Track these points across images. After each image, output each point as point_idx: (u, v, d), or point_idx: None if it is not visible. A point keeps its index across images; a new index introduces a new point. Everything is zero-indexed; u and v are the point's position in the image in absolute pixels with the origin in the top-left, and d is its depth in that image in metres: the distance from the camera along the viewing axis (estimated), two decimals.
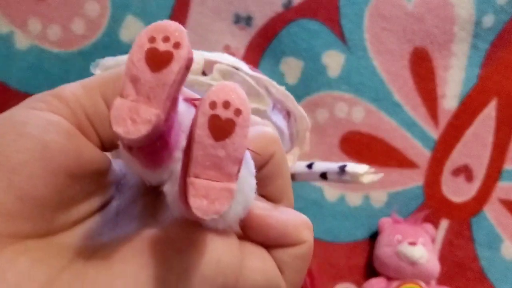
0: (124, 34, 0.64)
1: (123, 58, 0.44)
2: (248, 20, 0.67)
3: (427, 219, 0.68)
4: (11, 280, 0.16)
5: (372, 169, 0.50)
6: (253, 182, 0.19)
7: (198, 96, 0.21)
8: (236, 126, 0.16)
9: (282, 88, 0.45)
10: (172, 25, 0.16)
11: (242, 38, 0.67)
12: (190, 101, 0.19)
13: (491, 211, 0.71)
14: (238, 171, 0.17)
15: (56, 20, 0.63)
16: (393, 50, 0.69)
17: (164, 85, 0.16)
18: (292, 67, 0.67)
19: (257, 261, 0.20)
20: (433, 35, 0.69)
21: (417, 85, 0.69)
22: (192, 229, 0.18)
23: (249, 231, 0.20)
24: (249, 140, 0.19)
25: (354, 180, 0.49)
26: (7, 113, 0.18)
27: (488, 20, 0.69)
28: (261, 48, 0.67)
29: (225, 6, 0.66)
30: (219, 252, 0.18)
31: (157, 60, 0.16)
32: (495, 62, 0.70)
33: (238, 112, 0.16)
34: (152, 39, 0.16)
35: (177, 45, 0.16)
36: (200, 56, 0.43)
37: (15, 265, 0.16)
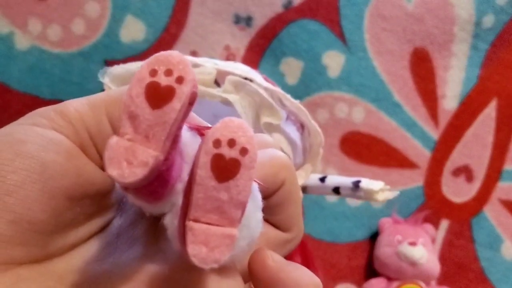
0: (124, 35, 0.64)
1: (132, 65, 0.43)
2: (248, 21, 0.67)
3: (427, 220, 0.68)
4: None
5: (387, 186, 0.48)
6: (259, 216, 0.18)
7: (206, 124, 0.20)
8: (241, 167, 0.15)
9: (297, 102, 0.44)
10: (176, 57, 0.15)
11: (242, 39, 0.67)
12: (197, 129, 0.18)
13: (491, 212, 0.71)
14: (242, 215, 0.16)
15: (56, 20, 0.63)
16: (393, 51, 0.69)
17: (165, 123, 0.15)
18: (292, 68, 0.67)
19: None
20: (433, 35, 0.69)
21: (417, 85, 0.69)
22: (196, 269, 0.17)
23: (257, 281, 0.19)
24: (258, 167, 0.18)
25: (368, 196, 0.47)
26: (8, 129, 0.17)
27: (488, 21, 0.69)
28: (261, 48, 0.67)
29: (225, 7, 0.66)
30: None
31: (158, 96, 0.15)
32: (495, 62, 0.70)
33: (244, 151, 0.15)
34: (153, 72, 0.15)
35: (180, 80, 0.15)
36: (212, 65, 0.42)
37: None
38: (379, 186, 0.47)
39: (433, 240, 0.68)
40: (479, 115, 0.70)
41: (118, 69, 0.43)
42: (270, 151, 0.20)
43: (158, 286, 0.17)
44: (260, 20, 0.67)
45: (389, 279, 0.65)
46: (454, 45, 0.70)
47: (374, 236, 0.69)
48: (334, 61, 0.68)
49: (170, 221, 0.17)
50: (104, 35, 0.64)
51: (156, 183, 0.16)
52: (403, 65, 0.69)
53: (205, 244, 0.15)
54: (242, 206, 0.15)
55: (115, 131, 0.18)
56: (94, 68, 0.64)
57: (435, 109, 0.70)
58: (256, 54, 0.67)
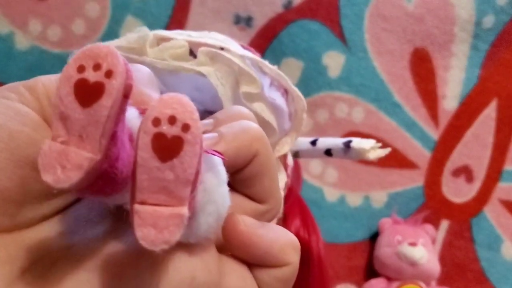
0: (124, 35, 0.64)
1: (113, 43, 0.42)
2: (248, 21, 0.67)
3: (427, 220, 0.68)
4: None
5: (379, 144, 0.47)
6: (225, 190, 0.18)
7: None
8: (185, 144, 0.14)
9: (275, 68, 0.43)
10: (103, 49, 0.14)
11: (242, 39, 0.67)
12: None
13: (491, 212, 0.71)
14: (192, 192, 0.15)
15: (57, 20, 0.63)
16: (393, 51, 0.69)
17: (97, 122, 0.14)
18: (292, 68, 0.67)
19: (237, 279, 0.19)
20: (433, 35, 0.69)
21: (417, 85, 0.69)
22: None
23: (232, 247, 0.19)
24: (230, 139, 0.18)
25: (360, 156, 0.46)
26: None
27: (488, 21, 0.69)
28: (261, 48, 0.67)
29: (225, 7, 0.66)
30: (195, 269, 0.17)
31: (87, 93, 0.14)
32: (495, 62, 0.70)
33: (186, 127, 0.14)
34: (81, 69, 0.14)
35: (109, 74, 0.14)
36: (185, 37, 0.41)
37: None
38: (370, 144, 0.46)
39: (433, 241, 0.68)
40: (479, 115, 0.70)
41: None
42: (242, 123, 0.20)
43: (122, 261, 0.17)
44: (260, 20, 0.67)
45: (389, 279, 0.65)
46: (454, 45, 0.70)
47: (374, 237, 0.69)
48: (334, 61, 0.68)
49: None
50: (104, 35, 0.64)
51: (100, 181, 0.15)
52: (403, 65, 0.69)
53: (153, 226, 0.14)
54: (190, 183, 0.15)
55: None
56: None
57: (435, 109, 0.70)
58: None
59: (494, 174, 0.71)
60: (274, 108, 0.43)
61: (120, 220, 0.18)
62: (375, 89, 0.68)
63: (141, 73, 0.20)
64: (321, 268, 0.53)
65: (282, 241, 0.19)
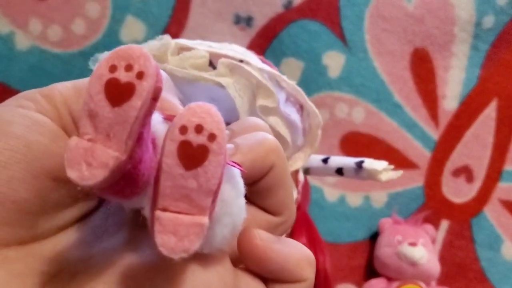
0: (125, 35, 0.64)
1: None
2: (248, 21, 0.67)
3: (427, 220, 0.68)
4: None
5: (391, 166, 0.47)
6: (242, 202, 0.18)
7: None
8: (210, 153, 0.14)
9: (293, 83, 0.43)
10: (136, 51, 0.14)
11: (242, 39, 0.67)
12: (170, 118, 0.17)
13: (492, 212, 0.71)
14: (213, 202, 0.15)
15: (57, 20, 0.63)
16: (393, 51, 0.69)
17: (125, 122, 0.14)
18: (292, 68, 0.67)
19: None
20: (433, 36, 0.69)
21: (418, 85, 0.69)
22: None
23: (248, 262, 0.19)
24: (246, 150, 0.18)
25: (371, 177, 0.46)
26: None
27: (488, 21, 0.69)
28: (262, 48, 0.67)
29: (225, 7, 0.66)
30: (211, 282, 0.17)
31: (118, 93, 0.14)
32: (496, 63, 0.70)
33: (212, 137, 0.14)
34: (112, 68, 0.14)
35: (140, 75, 0.14)
36: (205, 48, 0.41)
37: None
38: (382, 166, 0.46)
39: (433, 241, 0.68)
40: (479, 115, 0.70)
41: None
42: (258, 135, 0.20)
43: (139, 274, 0.16)
44: (261, 20, 0.67)
45: (389, 279, 0.65)
46: (455, 45, 0.70)
47: (374, 237, 0.69)
48: (334, 62, 0.68)
49: (148, 213, 0.17)
50: (105, 35, 0.64)
51: (122, 182, 0.15)
52: (404, 65, 0.69)
53: (173, 233, 0.14)
54: (212, 193, 0.15)
55: None
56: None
57: (435, 109, 0.70)
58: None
59: (494, 174, 0.71)
60: (288, 123, 0.43)
61: (137, 230, 0.18)
62: (375, 90, 0.68)
63: (167, 83, 0.20)
64: None
65: (298, 256, 0.19)
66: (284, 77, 0.42)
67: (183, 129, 0.14)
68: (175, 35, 0.65)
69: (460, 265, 0.70)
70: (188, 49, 0.41)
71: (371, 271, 0.68)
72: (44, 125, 0.17)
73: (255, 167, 0.19)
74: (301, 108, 0.45)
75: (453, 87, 0.70)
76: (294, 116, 0.43)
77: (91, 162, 0.14)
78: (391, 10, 0.68)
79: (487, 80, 0.70)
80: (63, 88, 0.18)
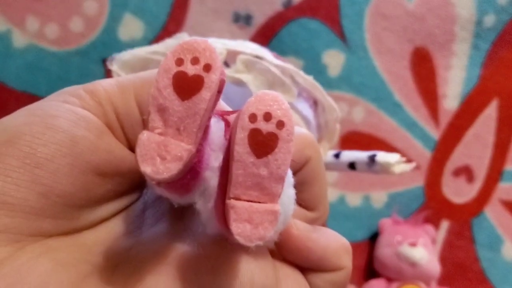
0: (123, 32, 0.64)
1: (141, 51, 0.42)
2: (247, 19, 0.66)
3: (427, 220, 0.68)
4: (33, 284, 0.15)
5: (403, 158, 0.46)
6: (292, 192, 0.18)
7: (227, 108, 0.19)
8: (279, 141, 0.15)
9: (310, 78, 0.43)
10: (201, 44, 0.15)
11: (241, 37, 0.66)
12: (220, 114, 0.18)
13: (492, 212, 0.70)
14: (282, 189, 0.15)
15: (54, 18, 0.63)
16: (393, 50, 0.68)
17: (195, 114, 0.14)
18: None
19: (292, 285, 0.19)
20: (433, 35, 0.69)
21: (418, 85, 0.69)
22: (226, 247, 0.17)
23: (286, 252, 0.19)
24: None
25: (385, 170, 0.45)
26: (38, 104, 0.17)
27: (489, 20, 0.69)
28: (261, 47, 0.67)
29: (224, 5, 0.66)
30: (253, 274, 0.17)
31: (186, 86, 0.14)
32: (496, 62, 0.70)
33: (280, 124, 0.15)
34: (179, 61, 0.14)
35: (207, 68, 0.14)
36: (221, 46, 0.41)
37: (36, 266, 0.15)
38: (395, 159, 0.46)
39: (433, 241, 0.68)
40: (480, 115, 0.70)
41: (127, 55, 0.42)
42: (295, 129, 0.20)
43: (189, 263, 0.17)
44: (260, 18, 0.66)
45: (389, 279, 0.65)
46: (455, 44, 0.69)
47: (374, 237, 0.68)
48: (334, 60, 0.67)
49: (203, 206, 0.17)
50: (102, 33, 0.63)
51: (188, 176, 0.16)
52: (404, 64, 0.69)
53: (248, 221, 0.15)
54: (282, 180, 0.15)
55: (143, 114, 0.18)
56: (92, 66, 0.63)
57: (435, 109, 0.69)
58: None
59: (494, 174, 0.70)
60: (302, 118, 0.43)
61: (177, 221, 0.18)
62: (375, 89, 0.68)
63: None
64: None
65: (335, 245, 0.19)
66: (301, 72, 0.42)
67: (253, 117, 0.14)
68: (173, 34, 0.64)
69: (460, 266, 0.70)
70: None
71: (371, 272, 0.68)
72: (89, 120, 0.17)
73: (293, 160, 0.19)
74: (314, 103, 0.45)
75: (453, 86, 0.70)
76: (307, 111, 0.43)
77: (165, 155, 0.14)
78: (391, 9, 0.68)
79: (488, 79, 0.70)
80: (107, 85, 0.18)
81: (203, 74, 0.14)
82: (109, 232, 0.18)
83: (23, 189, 0.15)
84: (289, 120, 0.15)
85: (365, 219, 0.69)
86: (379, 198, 0.69)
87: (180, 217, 0.18)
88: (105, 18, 0.64)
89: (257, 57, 0.41)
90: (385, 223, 0.67)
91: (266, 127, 0.14)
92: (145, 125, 0.16)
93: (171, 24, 0.64)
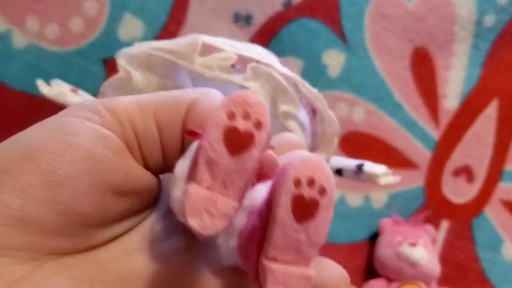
0: (123, 33, 0.64)
1: (147, 45, 0.42)
2: (247, 19, 0.66)
3: (427, 220, 0.68)
4: None
5: (390, 171, 0.48)
6: None
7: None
8: (320, 207, 0.15)
9: (315, 91, 0.43)
10: (252, 98, 0.15)
11: (241, 37, 0.66)
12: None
13: (492, 212, 0.70)
14: (316, 254, 0.16)
15: (54, 18, 0.63)
16: (393, 50, 0.68)
17: (243, 171, 0.15)
18: (292, 67, 0.67)
19: None
20: (434, 35, 0.69)
21: (418, 85, 0.69)
22: (244, 277, 0.18)
23: None
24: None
25: (371, 180, 0.47)
26: (57, 119, 0.17)
27: (489, 20, 0.69)
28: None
29: (224, 5, 0.66)
30: None
31: (237, 142, 0.14)
32: (496, 62, 0.70)
33: (323, 191, 0.15)
34: (231, 115, 0.15)
35: (258, 125, 0.15)
36: (231, 49, 0.41)
37: (53, 286, 0.15)
38: (381, 171, 0.47)
39: (434, 241, 0.67)
40: (480, 115, 0.70)
41: (134, 49, 0.42)
42: (303, 153, 0.20)
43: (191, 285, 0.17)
44: (260, 18, 0.66)
45: (389, 280, 0.65)
46: (455, 44, 0.69)
47: (374, 237, 0.68)
48: (334, 60, 0.67)
49: (225, 242, 0.17)
50: (102, 34, 0.63)
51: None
52: (404, 64, 0.69)
53: (284, 285, 0.15)
54: (319, 245, 0.15)
55: (162, 135, 0.18)
56: (92, 66, 0.63)
57: (435, 109, 0.69)
58: None
59: (494, 174, 0.70)
60: (298, 124, 0.43)
61: (188, 236, 0.18)
62: (375, 89, 0.68)
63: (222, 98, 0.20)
64: None
65: (336, 277, 0.19)
66: (306, 83, 0.42)
67: (297, 182, 0.14)
68: (173, 34, 0.64)
69: (461, 266, 0.70)
70: (216, 49, 0.41)
71: (371, 272, 0.68)
72: (109, 139, 0.17)
73: None
74: (312, 111, 0.45)
75: (453, 86, 0.70)
76: (303, 118, 0.43)
77: (213, 212, 0.14)
78: (391, 9, 0.68)
79: (488, 79, 0.70)
80: (128, 104, 0.18)
81: (254, 131, 0.15)
82: (122, 248, 0.18)
83: (42, 206, 0.15)
84: (331, 187, 0.15)
85: (365, 219, 0.69)
86: (379, 198, 0.69)
87: (190, 234, 0.18)
88: (105, 18, 0.64)
89: (266, 65, 0.41)
90: (385, 223, 0.67)
91: (309, 192, 0.15)
92: (165, 145, 0.17)
93: (171, 24, 0.64)
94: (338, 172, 0.48)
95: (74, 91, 0.49)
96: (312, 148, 0.46)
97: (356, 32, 0.67)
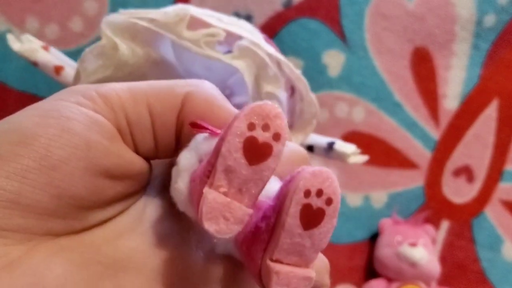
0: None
1: (132, 13, 0.42)
2: (247, 19, 0.66)
3: (427, 220, 0.68)
4: (52, 285, 0.15)
5: (358, 150, 0.50)
6: None
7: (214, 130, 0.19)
8: (326, 216, 0.16)
9: (298, 73, 0.43)
10: (273, 110, 0.15)
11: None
12: (213, 133, 0.18)
13: (492, 212, 0.70)
14: (317, 257, 0.17)
15: (54, 18, 0.63)
16: (393, 50, 0.68)
17: (259, 180, 0.16)
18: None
19: None
20: (434, 34, 0.69)
21: (418, 85, 0.69)
22: (239, 266, 0.19)
23: None
24: (284, 158, 0.19)
25: (340, 158, 0.49)
26: (52, 104, 0.17)
27: (489, 20, 0.69)
28: None
29: (224, 5, 0.66)
30: None
31: (256, 152, 0.15)
32: (496, 62, 0.70)
33: (329, 201, 0.16)
34: (251, 126, 0.15)
35: (277, 137, 0.15)
36: (219, 24, 0.41)
37: (52, 267, 0.16)
38: (351, 150, 0.49)
39: (434, 241, 0.67)
40: (480, 115, 0.70)
41: (119, 17, 0.41)
42: (289, 145, 0.20)
43: (199, 277, 0.18)
44: (260, 18, 0.66)
45: (389, 280, 0.65)
46: (455, 44, 0.69)
47: (374, 237, 0.68)
48: (334, 60, 0.67)
49: (238, 251, 0.18)
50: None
51: None
52: (404, 64, 0.69)
53: (287, 285, 0.16)
54: (321, 250, 0.16)
55: (154, 123, 0.19)
56: None
57: (435, 109, 0.69)
58: None
59: (494, 174, 0.70)
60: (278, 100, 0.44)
61: (179, 219, 0.19)
62: (375, 89, 0.68)
63: (218, 91, 0.20)
64: None
65: (319, 265, 0.20)
66: (289, 63, 0.43)
67: (307, 193, 0.15)
68: None
69: (461, 266, 0.70)
70: (206, 25, 0.41)
71: (371, 272, 0.68)
72: (103, 125, 0.17)
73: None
74: (291, 89, 0.45)
75: (453, 86, 0.70)
76: (282, 94, 0.44)
77: (229, 217, 0.15)
78: (391, 9, 0.68)
79: (488, 79, 0.70)
80: (120, 91, 0.19)
81: (272, 142, 0.15)
82: (115, 230, 0.18)
83: (38, 190, 0.16)
84: (337, 198, 0.16)
85: (365, 219, 0.69)
86: (379, 198, 0.69)
87: (183, 218, 0.19)
88: None
89: (253, 43, 0.41)
90: (385, 223, 0.67)
91: (316, 202, 0.16)
92: (157, 127, 0.18)
93: None
94: (310, 148, 0.50)
95: (45, 48, 0.49)
96: (288, 126, 0.47)
97: (356, 32, 0.67)
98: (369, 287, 0.66)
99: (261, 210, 0.17)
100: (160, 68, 0.44)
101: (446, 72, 0.69)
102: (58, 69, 0.47)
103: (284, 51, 0.67)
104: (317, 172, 0.16)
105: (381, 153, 0.69)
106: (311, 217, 0.16)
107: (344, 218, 0.69)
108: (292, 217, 0.15)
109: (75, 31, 0.63)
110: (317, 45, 0.67)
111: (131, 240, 0.18)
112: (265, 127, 0.15)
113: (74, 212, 0.17)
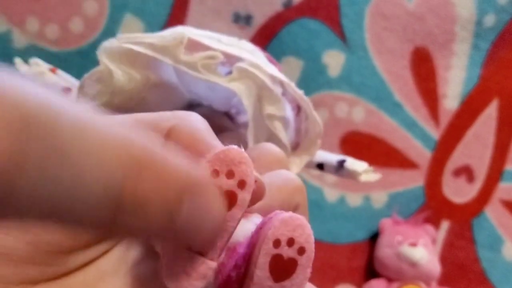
0: (123, 33, 0.64)
1: (129, 39, 0.42)
2: (247, 19, 0.66)
3: (427, 220, 0.68)
4: None
5: (371, 168, 0.48)
6: None
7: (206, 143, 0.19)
8: (298, 266, 0.15)
9: (301, 93, 0.43)
10: (237, 156, 0.15)
11: (241, 38, 0.66)
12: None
13: (492, 212, 0.70)
14: None
15: (54, 19, 0.63)
16: (393, 50, 0.68)
17: (224, 231, 0.15)
18: (292, 67, 0.67)
19: None
20: (434, 34, 0.69)
21: (418, 85, 0.69)
22: None
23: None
24: (275, 191, 0.18)
25: (351, 177, 0.47)
26: None
27: (489, 20, 0.69)
28: (261, 47, 0.66)
29: (224, 5, 0.66)
30: None
31: (280, 269, 0.15)
32: (496, 62, 0.70)
33: (302, 251, 0.15)
34: (277, 243, 0.15)
35: (242, 184, 0.15)
36: (219, 47, 0.41)
37: None
38: (362, 168, 0.47)
39: (434, 241, 0.67)
40: (480, 115, 0.70)
41: (115, 43, 0.41)
42: (284, 174, 0.20)
43: None
44: (260, 18, 0.66)
45: (389, 280, 0.65)
46: (455, 44, 0.69)
47: (374, 237, 0.68)
48: (334, 60, 0.67)
49: None
50: (103, 34, 0.63)
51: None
52: (404, 64, 0.69)
53: None
54: None
55: None
56: (92, 67, 0.63)
57: (435, 109, 0.69)
58: None
59: (495, 174, 0.70)
60: (284, 120, 0.43)
61: (154, 257, 0.18)
62: (375, 89, 0.68)
63: (205, 125, 0.19)
64: None
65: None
66: (292, 84, 0.42)
67: (277, 243, 0.15)
68: None
69: (461, 266, 0.70)
70: (205, 48, 0.41)
71: (371, 272, 0.68)
72: None
73: (283, 208, 0.19)
74: (297, 108, 0.45)
75: (453, 86, 0.70)
76: (289, 113, 0.43)
77: (191, 273, 0.15)
78: (391, 9, 0.68)
79: (488, 79, 0.70)
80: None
81: (237, 190, 0.15)
82: (96, 272, 0.18)
83: (12, 238, 0.15)
84: (310, 246, 0.15)
85: (366, 219, 0.69)
86: (379, 198, 0.69)
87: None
88: (105, 19, 0.64)
89: (252, 64, 0.40)
90: (386, 223, 0.67)
91: (288, 252, 0.15)
92: None
93: (171, 24, 0.64)
94: (320, 166, 0.48)
95: (53, 71, 0.49)
96: (295, 145, 0.46)
97: (356, 32, 0.67)
98: (369, 287, 0.66)
99: (233, 258, 0.16)
100: (160, 90, 0.44)
101: (446, 72, 0.69)
102: (66, 91, 0.48)
103: (284, 51, 0.67)
104: (288, 219, 0.15)
105: (381, 153, 0.69)
106: (282, 268, 0.15)
107: (344, 218, 0.69)
108: (261, 269, 0.15)
109: (75, 32, 0.63)
110: (317, 45, 0.67)
111: (111, 284, 0.17)
112: (230, 174, 0.15)
113: (52, 257, 0.16)
